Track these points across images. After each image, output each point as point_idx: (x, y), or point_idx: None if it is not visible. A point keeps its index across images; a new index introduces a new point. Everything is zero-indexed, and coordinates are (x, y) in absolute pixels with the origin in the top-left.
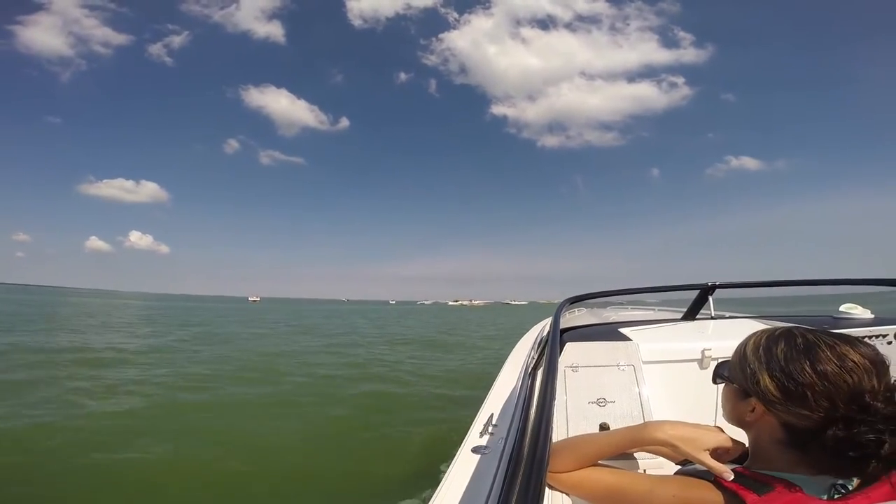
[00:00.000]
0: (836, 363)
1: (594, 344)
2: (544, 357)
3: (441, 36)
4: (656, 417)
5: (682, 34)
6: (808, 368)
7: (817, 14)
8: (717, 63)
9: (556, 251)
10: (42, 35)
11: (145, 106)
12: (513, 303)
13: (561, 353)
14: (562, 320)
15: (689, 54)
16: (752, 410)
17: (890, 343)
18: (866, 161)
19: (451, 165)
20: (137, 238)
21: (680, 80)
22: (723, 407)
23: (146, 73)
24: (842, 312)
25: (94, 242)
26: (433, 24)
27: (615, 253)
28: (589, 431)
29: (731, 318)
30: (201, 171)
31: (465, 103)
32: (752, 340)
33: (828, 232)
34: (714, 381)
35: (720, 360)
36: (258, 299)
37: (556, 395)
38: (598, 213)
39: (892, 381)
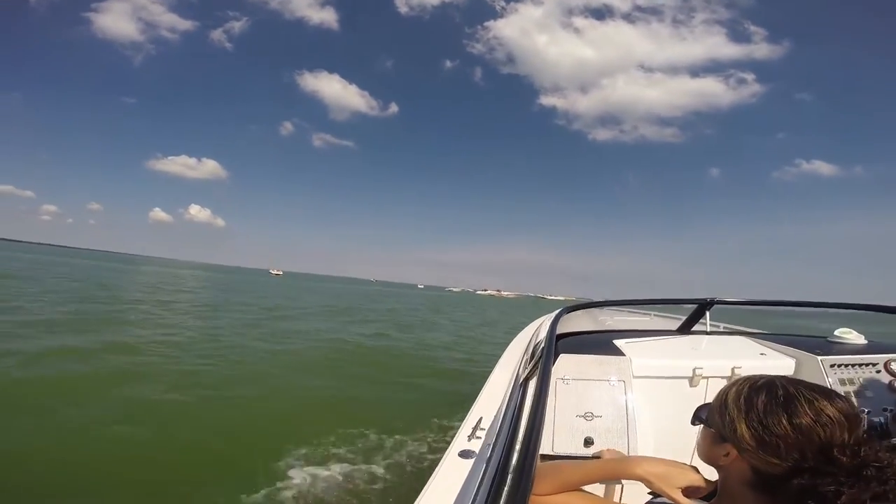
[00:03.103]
0: (811, 417)
1: (587, 357)
2: (538, 370)
3: (487, 24)
4: (642, 434)
5: (754, 28)
6: (784, 421)
7: None
8: (793, 60)
9: (599, 248)
10: (115, 21)
11: (208, 88)
12: (548, 297)
13: (554, 363)
14: (559, 323)
15: (762, 50)
16: (727, 455)
17: (879, 372)
18: None
19: (495, 154)
20: (197, 211)
21: (750, 76)
22: (698, 446)
23: (209, 57)
24: (836, 336)
25: (158, 214)
26: (479, 11)
27: (663, 256)
28: (574, 445)
29: (725, 331)
30: (258, 151)
31: (512, 93)
32: (734, 388)
33: None
34: (693, 423)
35: (702, 405)
36: (280, 273)
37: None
38: (650, 211)
39: (863, 434)
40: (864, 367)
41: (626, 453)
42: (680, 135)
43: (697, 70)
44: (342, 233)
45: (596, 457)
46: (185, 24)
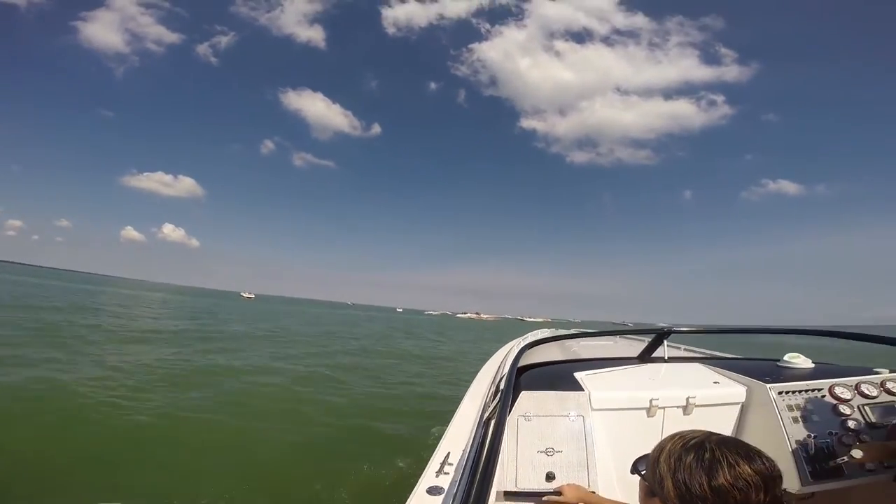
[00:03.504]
0: (730, 481)
1: (547, 394)
2: (496, 413)
3: (472, 46)
4: (601, 466)
5: (724, 51)
6: (704, 483)
7: (874, 33)
8: (761, 81)
9: (578, 270)
10: (102, 31)
11: (189, 103)
12: (528, 319)
13: (516, 400)
14: (519, 347)
15: (732, 72)
16: None
17: (824, 396)
18: None
19: (476, 177)
20: (170, 231)
21: (720, 98)
22: (638, 494)
23: (192, 71)
24: (786, 361)
25: (130, 232)
26: (465, 34)
27: (638, 277)
28: (536, 480)
29: (683, 356)
30: (237, 169)
31: (494, 115)
32: (669, 444)
33: (867, 264)
34: (631, 472)
35: (641, 456)
36: (252, 296)
37: (508, 444)
38: (626, 233)
39: (779, 494)
40: (809, 392)
41: (586, 486)
42: (654, 157)
43: (671, 92)
44: (320, 255)
45: (556, 492)
46: (172, 37)
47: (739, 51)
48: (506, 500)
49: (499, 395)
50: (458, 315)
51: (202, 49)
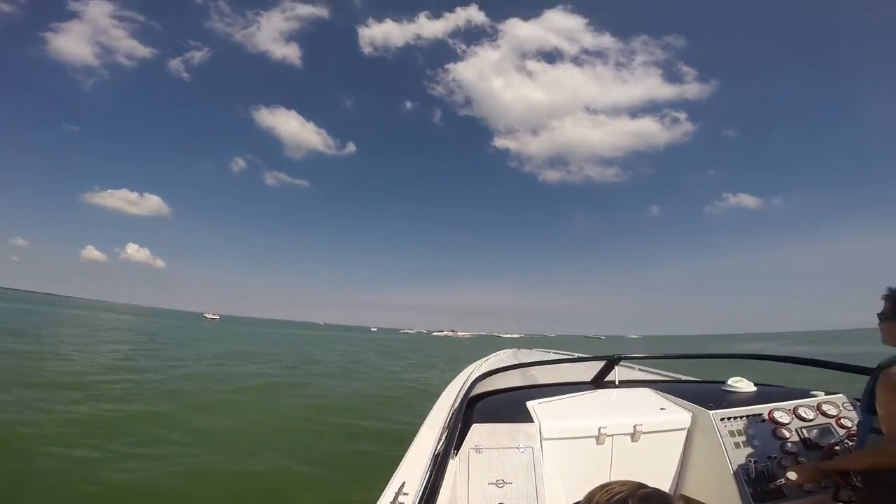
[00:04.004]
0: None
1: (497, 426)
2: (443, 449)
3: (447, 66)
4: (551, 496)
5: (685, 69)
6: None
7: (824, 49)
8: (719, 98)
9: (551, 286)
10: (71, 43)
11: (159, 119)
12: (503, 336)
13: (468, 433)
14: (481, 370)
15: (693, 89)
16: None
17: (763, 421)
18: (868, 198)
19: (451, 197)
20: (134, 251)
21: (682, 115)
22: None
23: (163, 87)
24: (729, 385)
25: (91, 252)
26: (441, 54)
27: (610, 292)
28: None
29: (634, 380)
30: (206, 187)
31: (469, 135)
32: (596, 497)
33: (828, 272)
34: None
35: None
36: (217, 317)
37: (459, 477)
38: (597, 250)
39: None
40: (750, 417)
41: None
42: (622, 174)
43: (636, 111)
44: (292, 275)
45: None
46: (144, 52)
47: (699, 68)
48: None
49: (448, 435)
50: (435, 333)
51: (174, 64)
